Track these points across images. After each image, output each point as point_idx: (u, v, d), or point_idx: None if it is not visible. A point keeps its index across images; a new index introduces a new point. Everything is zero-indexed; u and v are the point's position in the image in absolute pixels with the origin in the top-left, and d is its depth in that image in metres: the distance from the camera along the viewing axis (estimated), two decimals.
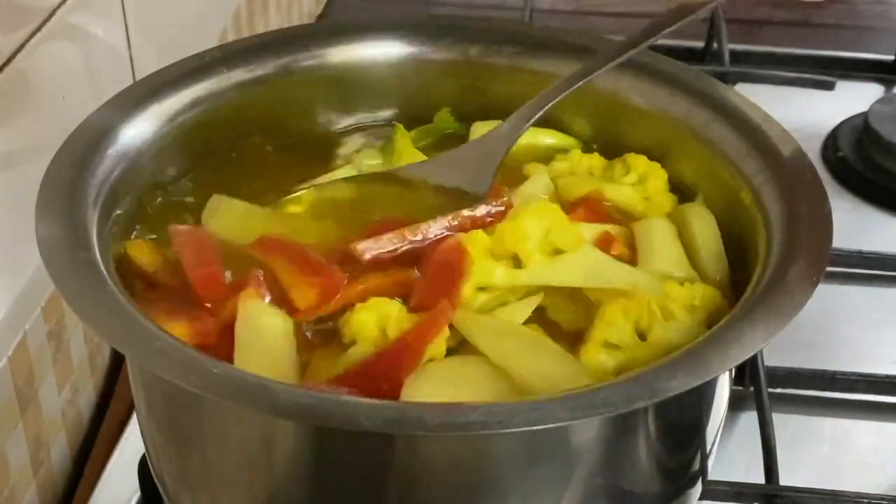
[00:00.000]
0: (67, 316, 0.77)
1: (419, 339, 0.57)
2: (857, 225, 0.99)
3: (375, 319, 0.58)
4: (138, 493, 0.72)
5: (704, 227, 0.66)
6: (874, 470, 0.78)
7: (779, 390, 0.82)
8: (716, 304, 0.60)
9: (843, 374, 0.82)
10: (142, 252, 0.63)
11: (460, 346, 0.59)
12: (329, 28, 0.76)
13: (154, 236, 0.65)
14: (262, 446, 0.55)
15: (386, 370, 0.56)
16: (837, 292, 0.91)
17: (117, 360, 0.86)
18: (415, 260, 0.62)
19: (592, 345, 0.58)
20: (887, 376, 0.83)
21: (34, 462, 0.74)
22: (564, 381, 0.55)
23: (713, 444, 0.62)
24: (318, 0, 1.33)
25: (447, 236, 0.63)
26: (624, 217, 0.68)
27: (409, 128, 0.74)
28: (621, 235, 0.65)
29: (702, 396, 0.59)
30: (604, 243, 0.64)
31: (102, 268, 0.56)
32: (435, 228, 0.63)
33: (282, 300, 0.60)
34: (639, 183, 0.69)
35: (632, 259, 0.64)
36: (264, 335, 0.58)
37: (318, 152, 0.73)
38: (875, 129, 1.04)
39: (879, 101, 1.09)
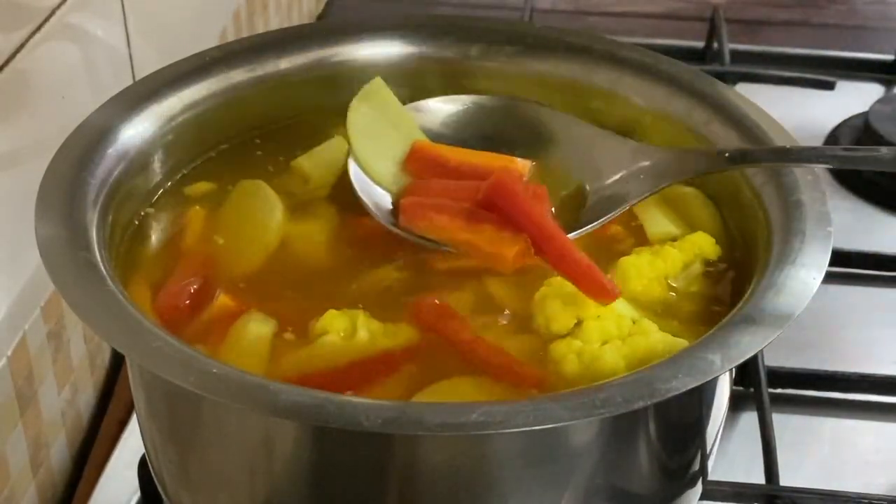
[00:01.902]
0: (67, 316, 0.77)
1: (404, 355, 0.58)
2: (857, 225, 0.99)
3: (347, 318, 0.59)
4: (138, 494, 0.72)
5: (692, 196, 0.68)
6: (874, 470, 0.78)
7: (779, 390, 0.82)
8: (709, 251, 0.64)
9: (844, 374, 0.82)
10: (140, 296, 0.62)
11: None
12: (329, 28, 0.76)
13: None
14: (262, 446, 0.55)
15: (358, 379, 0.57)
16: (837, 292, 0.91)
17: (117, 360, 0.86)
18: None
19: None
20: (887, 376, 0.83)
21: (34, 462, 0.74)
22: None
23: (713, 444, 0.62)
24: (318, 0, 1.33)
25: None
26: None
27: None
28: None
29: (702, 397, 0.59)
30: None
31: (102, 268, 0.56)
32: None
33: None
34: None
35: (625, 236, 0.65)
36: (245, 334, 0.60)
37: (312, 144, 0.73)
38: (875, 129, 1.04)
39: (879, 101, 1.09)
